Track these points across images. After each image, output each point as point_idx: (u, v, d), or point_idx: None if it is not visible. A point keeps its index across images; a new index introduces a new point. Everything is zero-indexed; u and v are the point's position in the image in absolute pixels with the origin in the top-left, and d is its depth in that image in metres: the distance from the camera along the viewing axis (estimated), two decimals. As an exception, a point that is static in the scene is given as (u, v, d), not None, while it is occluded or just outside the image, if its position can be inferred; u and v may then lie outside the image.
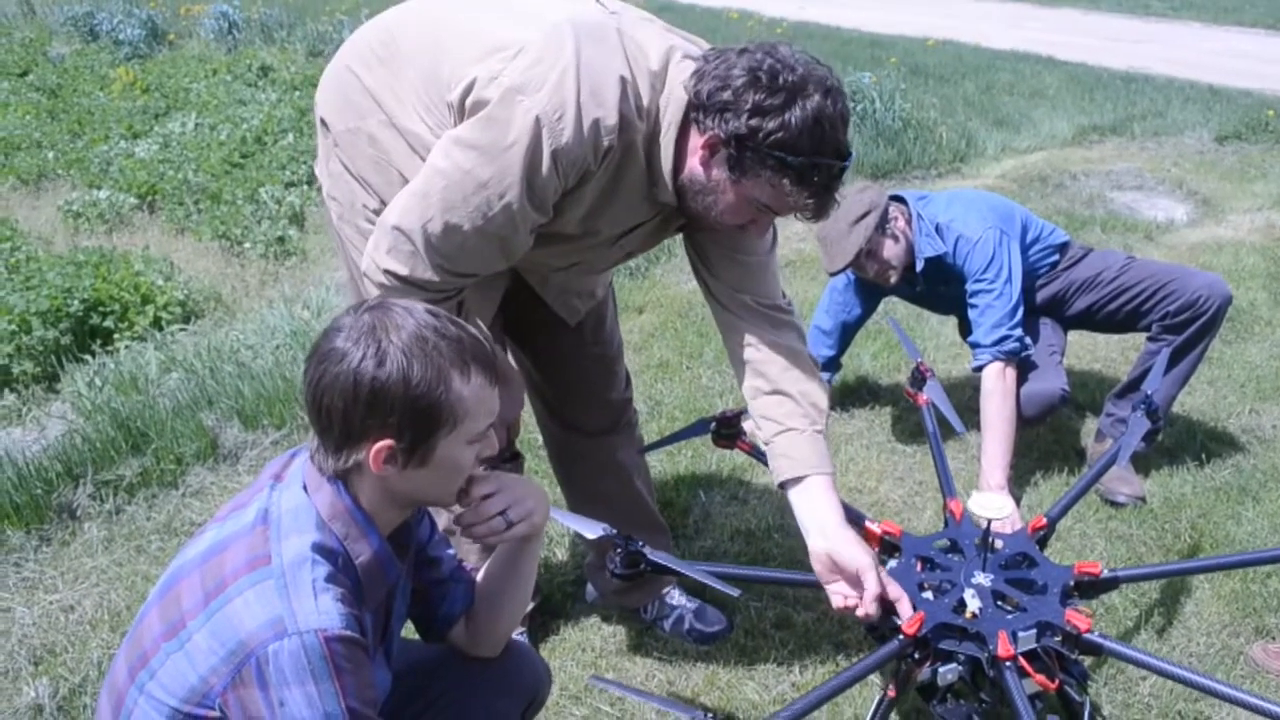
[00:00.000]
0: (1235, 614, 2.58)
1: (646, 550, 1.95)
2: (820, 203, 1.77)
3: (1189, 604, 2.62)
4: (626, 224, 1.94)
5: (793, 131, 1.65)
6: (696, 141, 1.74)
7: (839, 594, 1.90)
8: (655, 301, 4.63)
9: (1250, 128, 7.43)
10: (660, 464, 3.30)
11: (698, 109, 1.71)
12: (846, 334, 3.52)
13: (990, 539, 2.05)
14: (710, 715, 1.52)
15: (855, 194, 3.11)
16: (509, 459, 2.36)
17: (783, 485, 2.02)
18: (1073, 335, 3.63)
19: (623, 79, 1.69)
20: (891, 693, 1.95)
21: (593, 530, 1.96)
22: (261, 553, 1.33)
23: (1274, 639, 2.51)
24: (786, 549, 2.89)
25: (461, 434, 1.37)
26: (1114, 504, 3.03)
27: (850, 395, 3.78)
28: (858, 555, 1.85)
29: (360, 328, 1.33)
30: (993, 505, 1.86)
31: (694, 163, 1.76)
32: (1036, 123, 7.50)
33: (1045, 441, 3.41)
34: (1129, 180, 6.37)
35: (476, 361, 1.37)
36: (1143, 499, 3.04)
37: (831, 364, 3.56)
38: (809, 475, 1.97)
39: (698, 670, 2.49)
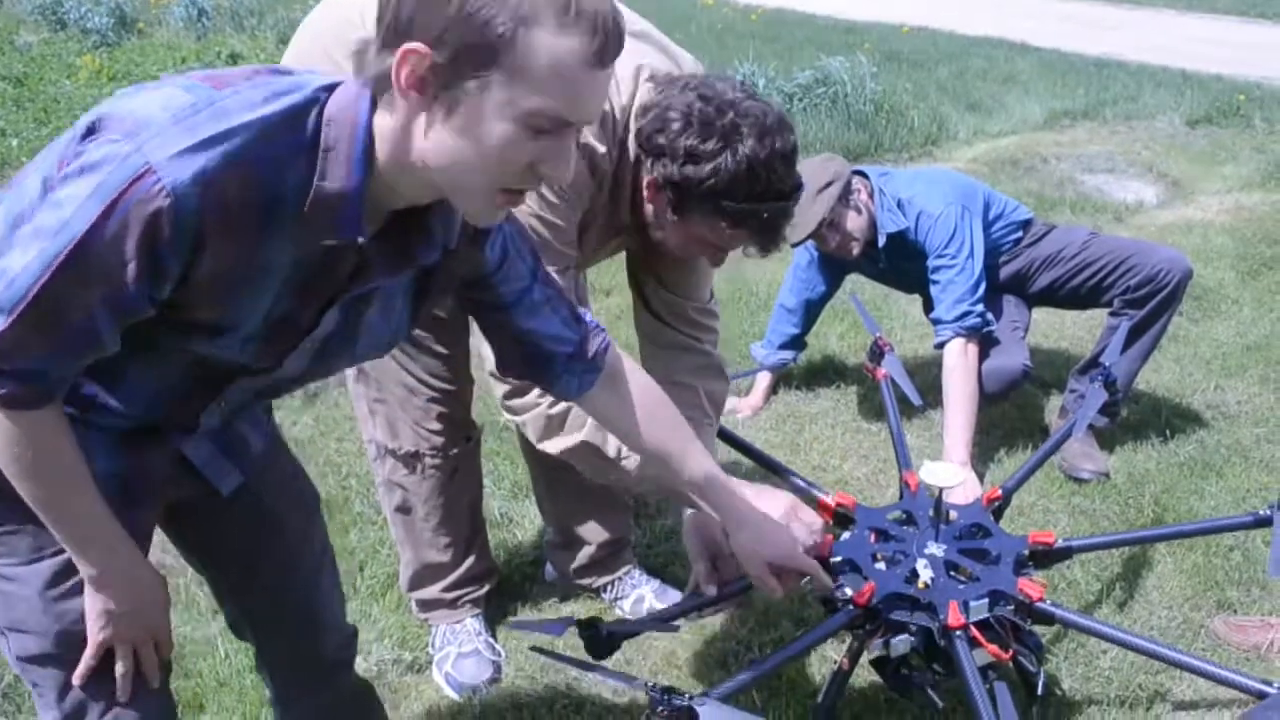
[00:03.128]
0: (1197, 587, 2.56)
1: (603, 627, 1.85)
2: (765, 241, 1.76)
3: (1150, 577, 2.60)
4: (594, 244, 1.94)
5: (724, 178, 1.62)
6: (643, 179, 1.73)
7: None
8: (621, 285, 4.58)
9: (1221, 112, 7.45)
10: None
11: (641, 148, 1.70)
12: (811, 312, 3.49)
13: (945, 510, 2.02)
14: (652, 685, 1.48)
15: (819, 164, 3.08)
16: (466, 439, 2.33)
17: None
18: (1040, 313, 3.62)
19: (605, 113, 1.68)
20: (845, 665, 1.93)
21: (556, 629, 1.83)
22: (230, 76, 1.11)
23: (1236, 612, 2.49)
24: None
25: (513, 96, 1.04)
26: (1077, 479, 3.01)
27: (816, 374, 3.75)
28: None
29: None
30: (945, 474, 1.84)
31: (645, 197, 1.76)
32: (1009, 107, 7.50)
33: (1010, 418, 3.40)
34: (1100, 163, 6.37)
35: (585, 21, 1.04)
36: (1106, 474, 3.02)
37: (796, 343, 3.53)
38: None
39: (656, 649, 2.45)
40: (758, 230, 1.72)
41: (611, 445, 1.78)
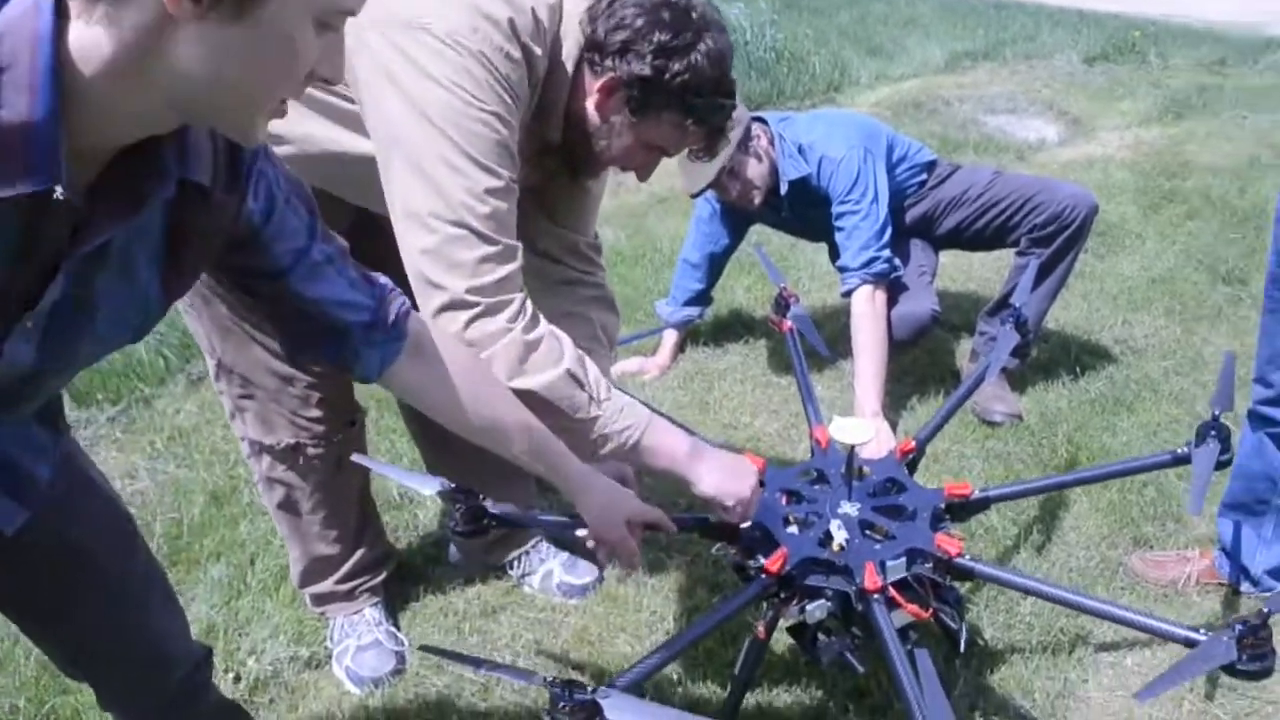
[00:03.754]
0: (1113, 525, 2.53)
1: (489, 504, 1.77)
2: (714, 141, 1.73)
3: (1067, 518, 2.56)
4: None
5: (698, 72, 1.57)
6: (592, 83, 1.62)
7: None
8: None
9: (1117, 49, 7.51)
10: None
11: (594, 49, 1.60)
12: (715, 266, 3.38)
13: (857, 466, 1.92)
14: (552, 680, 1.36)
15: (714, 113, 2.94)
16: (349, 424, 2.17)
17: None
18: (946, 256, 3.56)
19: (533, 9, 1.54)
20: (760, 634, 1.83)
21: (428, 486, 1.78)
22: None
23: (1152, 548, 2.46)
24: (650, 487, 2.75)
25: None
26: (990, 423, 2.96)
27: (723, 330, 3.65)
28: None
29: None
30: (855, 430, 1.73)
31: (589, 105, 1.64)
32: (910, 51, 7.46)
33: (920, 364, 3.33)
34: (1001, 104, 6.36)
35: None
36: (1019, 416, 2.98)
37: (702, 298, 3.42)
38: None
39: (567, 626, 2.34)
40: (716, 128, 1.68)
41: (591, 376, 1.61)
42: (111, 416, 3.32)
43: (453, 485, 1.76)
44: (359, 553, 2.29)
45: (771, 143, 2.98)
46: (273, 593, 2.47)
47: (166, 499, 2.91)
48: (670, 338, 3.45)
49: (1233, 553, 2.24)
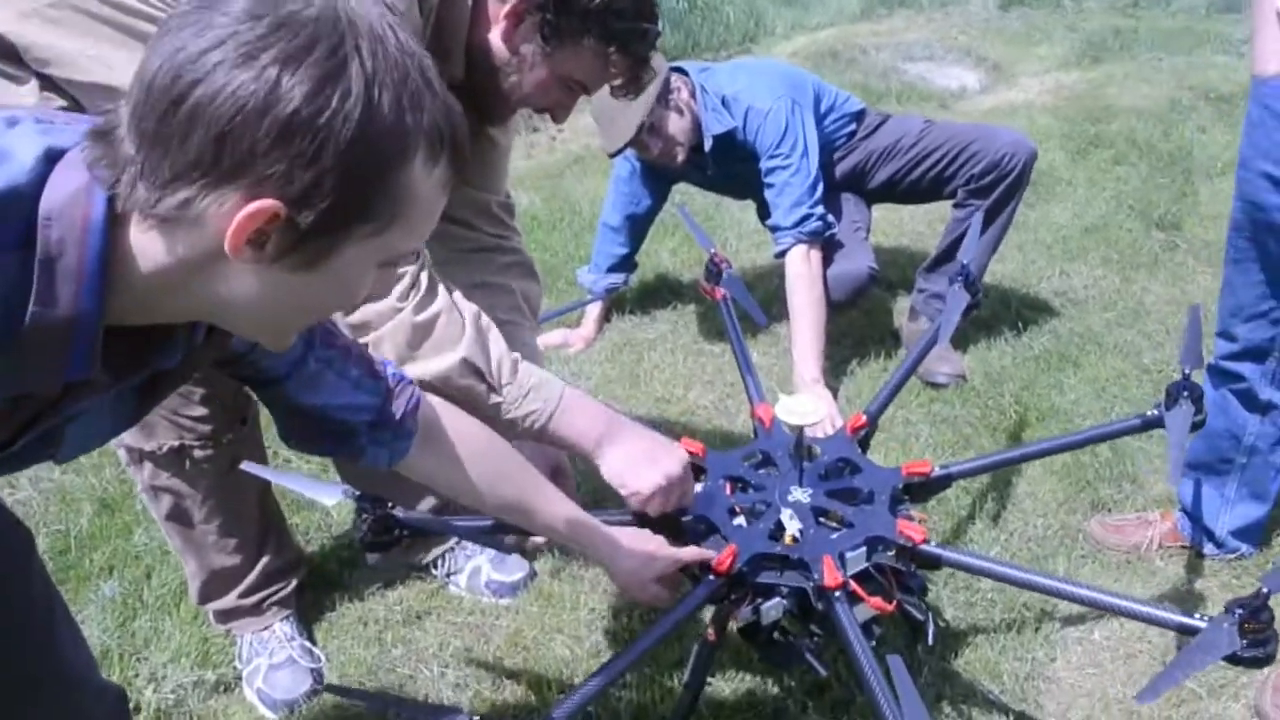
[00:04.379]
0: (1070, 490, 2.41)
1: (398, 512, 1.57)
2: (638, 74, 1.54)
3: (1022, 484, 2.44)
4: None
5: None
6: (497, 9, 1.44)
7: None
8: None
9: (1031, -7, 7.45)
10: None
11: None
12: (637, 229, 3.19)
13: (806, 446, 1.76)
14: (475, 716, 1.18)
15: (632, 65, 2.73)
16: (241, 421, 1.94)
17: None
18: (880, 211, 3.42)
19: None
20: (711, 637, 1.67)
21: (329, 495, 1.56)
22: None
23: (1111, 511, 2.36)
24: (590, 474, 2.57)
25: (382, 244, 0.85)
26: (935, 385, 2.83)
27: (650, 296, 3.46)
28: None
29: (304, 20, 0.76)
30: (802, 409, 1.56)
31: (494, 37, 1.46)
32: (826, 0, 7.31)
33: (858, 325, 3.19)
34: (919, 51, 6.24)
35: (454, 147, 0.85)
36: (963, 377, 2.86)
37: (625, 263, 3.23)
38: None
39: (499, 630, 2.15)
40: (640, 58, 1.50)
41: (493, 361, 1.47)
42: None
43: (357, 493, 1.55)
44: (263, 561, 2.06)
45: (693, 95, 2.79)
46: (172, 610, 2.24)
47: (52, 509, 2.64)
48: (595, 308, 3.25)
49: (1195, 514, 2.13)
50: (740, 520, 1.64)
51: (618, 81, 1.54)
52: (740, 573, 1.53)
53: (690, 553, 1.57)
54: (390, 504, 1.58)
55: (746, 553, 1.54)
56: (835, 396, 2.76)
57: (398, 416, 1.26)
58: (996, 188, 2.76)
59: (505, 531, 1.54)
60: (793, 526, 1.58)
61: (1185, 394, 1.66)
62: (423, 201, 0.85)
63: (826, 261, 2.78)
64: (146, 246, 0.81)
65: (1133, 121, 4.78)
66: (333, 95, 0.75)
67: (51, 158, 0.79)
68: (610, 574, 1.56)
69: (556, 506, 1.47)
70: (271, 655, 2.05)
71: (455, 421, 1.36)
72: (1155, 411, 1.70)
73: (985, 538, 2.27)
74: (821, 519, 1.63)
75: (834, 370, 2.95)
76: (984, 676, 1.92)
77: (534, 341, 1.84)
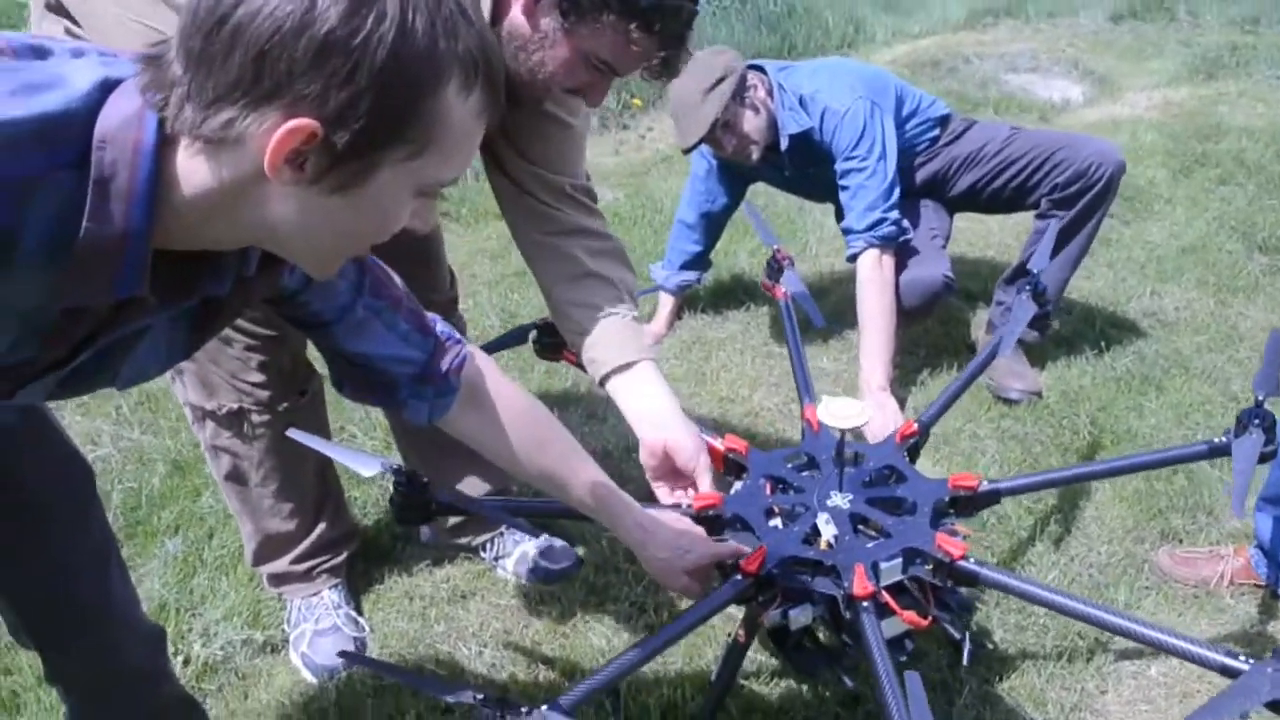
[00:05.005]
0: (1139, 517, 2.31)
1: (431, 488, 1.58)
2: (671, 57, 1.46)
3: (1089, 508, 2.35)
4: None
5: None
6: None
7: (666, 489, 1.67)
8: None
9: (1145, 6, 7.18)
10: (543, 378, 2.93)
11: None
12: (713, 227, 3.16)
13: (850, 453, 1.72)
14: (484, 697, 1.18)
15: (708, 58, 2.71)
16: (300, 393, 1.98)
17: (606, 378, 1.72)
18: (962, 219, 3.34)
19: None
20: (741, 638, 1.64)
21: (368, 466, 1.58)
22: None
23: (1182, 542, 2.25)
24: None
25: (418, 169, 0.87)
26: (1007, 401, 2.74)
27: (724, 296, 3.43)
28: (695, 451, 1.62)
29: None
30: (845, 412, 1.52)
31: (515, 12, 1.43)
32: (928, 6, 7.15)
33: (933, 335, 3.11)
34: (1024, 62, 6.07)
35: (488, 77, 0.87)
36: (1038, 393, 2.76)
37: (699, 261, 3.20)
38: (639, 361, 1.70)
39: (541, 615, 2.16)
40: (669, 37, 1.43)
41: None
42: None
43: (395, 466, 1.57)
44: (318, 530, 2.11)
45: (770, 93, 2.75)
46: (229, 571, 2.31)
47: (128, 467, 2.74)
48: (667, 304, 3.23)
49: (1271, 551, 2.02)
50: (776, 521, 1.61)
51: (646, 62, 1.48)
52: (770, 575, 1.50)
53: (726, 548, 1.54)
54: (425, 479, 1.59)
55: (777, 555, 1.51)
56: (902, 406, 2.71)
57: (442, 372, 1.27)
58: (1081, 199, 2.67)
59: (530, 515, 1.52)
60: (828, 532, 1.55)
61: (1256, 421, 1.57)
62: (456, 128, 0.87)
63: (900, 267, 2.72)
64: (193, 170, 0.84)
65: (1243, 141, 4.57)
66: (368, 17, 0.77)
67: (108, 86, 0.82)
68: (641, 560, 1.55)
69: (592, 482, 1.46)
70: (318, 621, 2.09)
71: (500, 385, 1.37)
72: (1224, 438, 1.62)
73: (1044, 561, 2.20)
74: (860, 527, 1.59)
75: (904, 379, 2.89)
76: (1027, 703, 1.85)
77: (638, 330, 1.80)
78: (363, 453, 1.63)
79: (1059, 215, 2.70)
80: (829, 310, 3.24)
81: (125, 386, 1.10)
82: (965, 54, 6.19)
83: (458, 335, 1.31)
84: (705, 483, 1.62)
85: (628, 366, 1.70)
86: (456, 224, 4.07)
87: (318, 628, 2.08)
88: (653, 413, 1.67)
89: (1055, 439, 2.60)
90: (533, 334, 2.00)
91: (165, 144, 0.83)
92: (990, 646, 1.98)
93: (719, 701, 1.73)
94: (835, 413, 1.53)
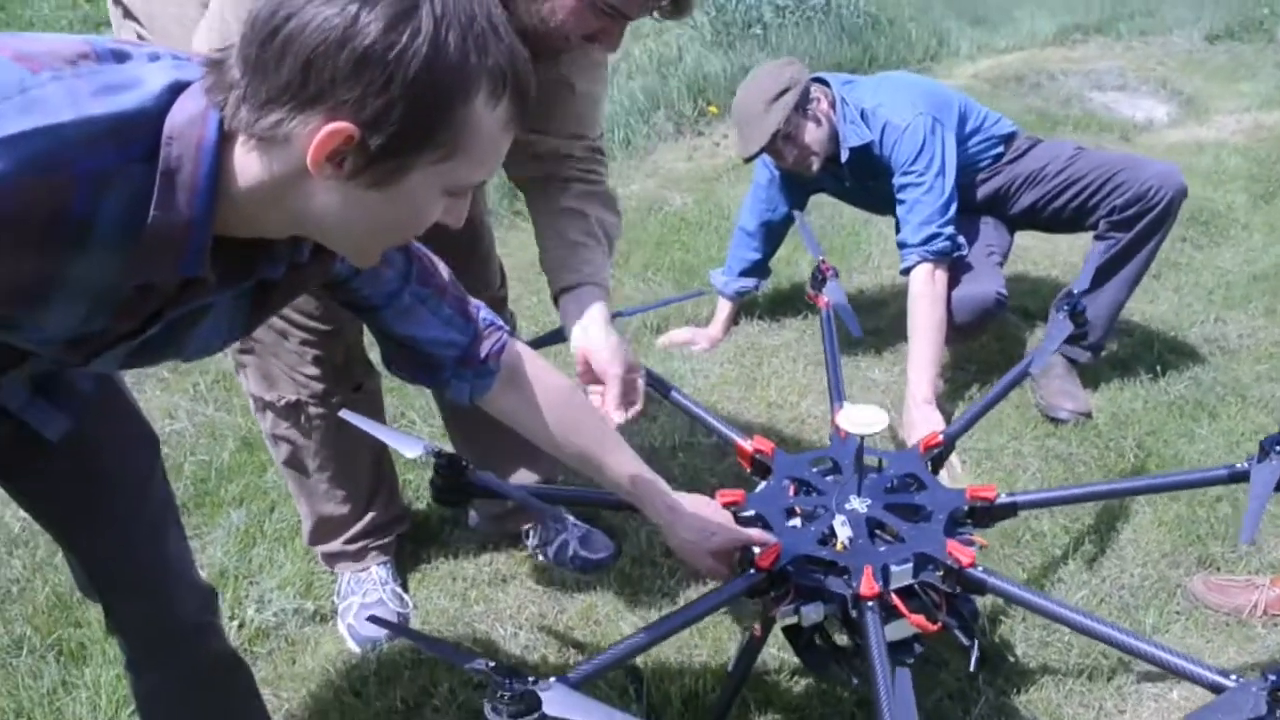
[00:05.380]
0: (1177, 542, 2.31)
1: (469, 473, 1.67)
2: None
3: (1126, 530, 2.35)
4: None
5: None
6: None
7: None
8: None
9: (1244, 26, 7.01)
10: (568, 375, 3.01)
11: None
12: (772, 235, 3.20)
13: (879, 460, 1.77)
14: (494, 665, 1.25)
15: (773, 70, 2.77)
16: (355, 388, 2.09)
17: (556, 296, 1.83)
18: (1032, 238, 3.35)
19: None
20: (757, 632, 1.70)
21: (411, 448, 1.68)
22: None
23: (1219, 570, 2.24)
24: (690, 469, 2.62)
25: (448, 172, 0.96)
26: (1055, 420, 2.74)
27: (782, 304, 3.47)
28: (610, 357, 1.73)
29: None
30: (864, 419, 1.57)
31: None
32: (1017, 21, 7.08)
33: (988, 352, 3.12)
34: (1110, 80, 5.98)
35: (515, 90, 0.95)
36: (1088, 414, 2.75)
37: (758, 268, 3.26)
38: (584, 284, 1.79)
39: (575, 602, 2.24)
40: None
41: None
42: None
43: (436, 449, 1.66)
44: (369, 516, 2.23)
45: (833, 106, 2.79)
46: (287, 543, 2.43)
47: (201, 441, 2.89)
48: (724, 309, 3.29)
49: (1307, 582, 2.01)
50: (796, 521, 1.66)
51: (656, 4, 1.48)
52: (784, 571, 1.55)
53: (753, 534, 1.60)
54: (465, 462, 1.67)
55: (792, 552, 1.56)
56: (949, 420, 2.71)
57: (482, 356, 1.36)
58: (1139, 221, 2.66)
59: (564, 503, 1.60)
60: (843, 534, 1.60)
61: (1278, 449, 1.58)
62: (484, 136, 0.95)
63: (954, 283, 2.74)
64: (248, 165, 0.94)
65: (1332, 170, 4.46)
66: (404, 32, 0.86)
67: (177, 89, 0.92)
68: (668, 540, 1.61)
69: (626, 465, 1.53)
70: (365, 595, 2.20)
71: (539, 370, 1.45)
72: (1245, 464, 1.63)
73: (1076, 579, 2.20)
74: (877, 531, 1.64)
75: (954, 394, 2.90)
76: (1044, 717, 1.87)
77: (604, 263, 1.85)
78: (408, 435, 1.72)
79: (1116, 237, 2.70)
80: (886, 322, 3.27)
81: (191, 358, 1.20)
82: (1051, 70, 6.12)
83: (500, 322, 1.40)
84: (613, 393, 1.72)
85: (574, 288, 1.78)
86: (527, 223, 4.16)
87: (365, 601, 2.19)
88: (582, 326, 1.75)
89: (1099, 460, 2.59)
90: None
91: (225, 141, 0.93)
92: (1011, 660, 2.00)
93: (735, 693, 1.79)
94: (855, 419, 1.58)
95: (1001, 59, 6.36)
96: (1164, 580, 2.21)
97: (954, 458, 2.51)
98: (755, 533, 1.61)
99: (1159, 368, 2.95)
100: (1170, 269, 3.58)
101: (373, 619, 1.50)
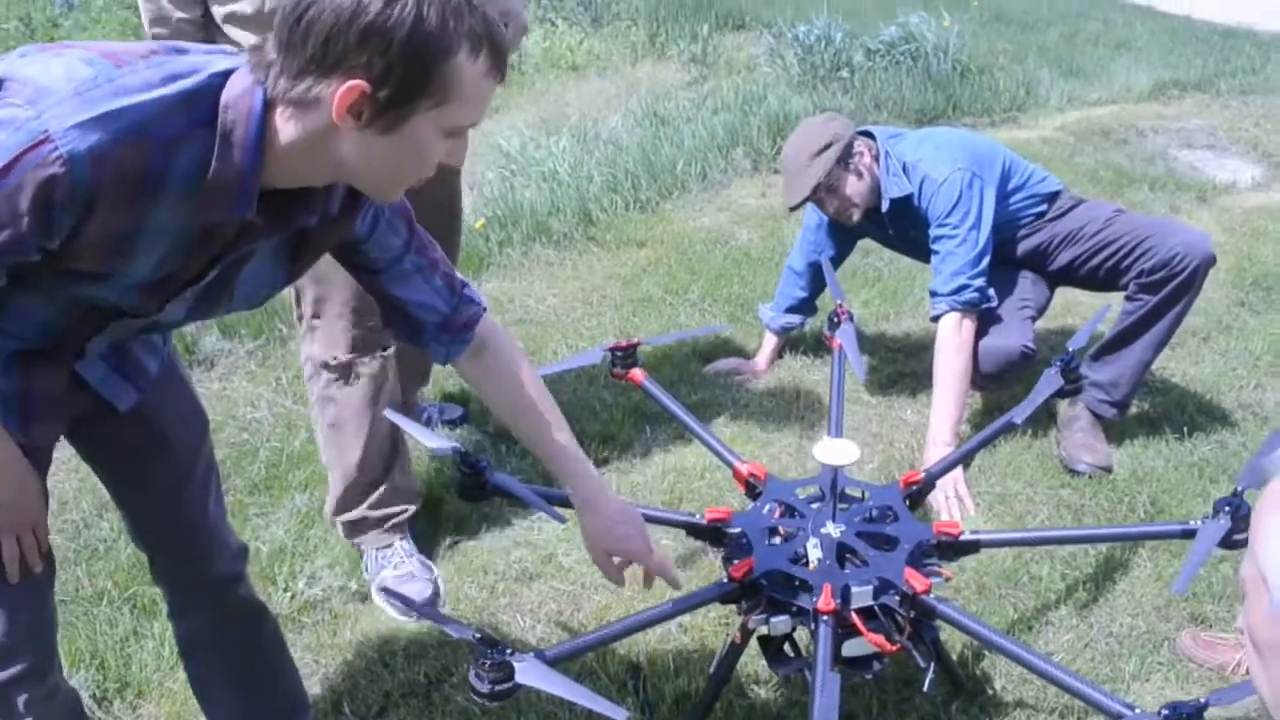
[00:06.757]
0: (1172, 596, 2.38)
1: (487, 472, 1.87)
2: None
3: (1124, 581, 2.44)
4: None
5: None
6: None
7: None
8: (657, 238, 4.51)
9: (1353, 89, 6.87)
10: (616, 396, 3.21)
11: None
12: (818, 276, 3.35)
13: (862, 491, 1.92)
14: (479, 635, 1.45)
15: (819, 124, 2.94)
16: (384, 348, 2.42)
17: None
18: (1084, 294, 3.42)
19: None
20: (737, 639, 1.86)
21: (435, 443, 1.90)
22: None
23: (1212, 627, 2.32)
24: (715, 486, 2.79)
25: (443, 116, 1.20)
26: (1074, 472, 2.83)
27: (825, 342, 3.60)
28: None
29: None
30: (839, 451, 1.73)
31: None
32: (1113, 75, 7.04)
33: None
34: (1200, 139, 5.94)
35: (491, 47, 1.20)
36: (1108, 469, 2.84)
37: (804, 306, 3.41)
38: None
39: (591, 602, 2.43)
40: None
41: None
42: (250, 350, 3.63)
43: (462, 449, 1.87)
44: (390, 479, 2.50)
45: (876, 159, 2.94)
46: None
47: (277, 430, 3.17)
48: (770, 342, 3.45)
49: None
50: (776, 540, 1.83)
51: None
52: (754, 583, 1.72)
53: (654, 560, 1.73)
54: (483, 462, 1.88)
55: (763, 566, 1.73)
56: (967, 465, 2.83)
57: (459, 324, 1.59)
58: (1165, 286, 2.74)
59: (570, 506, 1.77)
60: (814, 554, 1.76)
61: (1227, 509, 1.68)
62: (468, 84, 1.19)
63: (982, 333, 2.86)
64: (284, 126, 1.19)
65: None
66: (394, 8, 1.11)
67: (228, 73, 1.20)
68: (580, 526, 1.74)
69: (563, 447, 1.69)
70: (396, 567, 2.46)
71: (505, 349, 1.68)
72: (1199, 522, 1.73)
73: (1065, 623, 2.31)
74: (847, 555, 1.79)
75: (978, 439, 3.01)
76: (1009, 747, 1.99)
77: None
78: (438, 435, 1.94)
79: (1144, 299, 2.78)
80: (925, 365, 3.38)
81: (238, 307, 1.46)
82: (1140, 126, 6.10)
83: (479, 299, 1.63)
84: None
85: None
86: (599, 248, 4.40)
87: (397, 572, 2.45)
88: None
89: (1109, 513, 2.68)
90: (605, 355, 2.26)
91: (268, 109, 1.19)
92: (990, 692, 2.12)
93: (715, 695, 1.96)
94: (829, 451, 1.74)
95: (1091, 112, 6.36)
96: (1152, 632, 2.30)
97: (967, 497, 2.64)
98: (657, 561, 1.74)
99: (1186, 429, 3.01)
100: (1221, 332, 3.62)
101: (385, 590, 1.71)
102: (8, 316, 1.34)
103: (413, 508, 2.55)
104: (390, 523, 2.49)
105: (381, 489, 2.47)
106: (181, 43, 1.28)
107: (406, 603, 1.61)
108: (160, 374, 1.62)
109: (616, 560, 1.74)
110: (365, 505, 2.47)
